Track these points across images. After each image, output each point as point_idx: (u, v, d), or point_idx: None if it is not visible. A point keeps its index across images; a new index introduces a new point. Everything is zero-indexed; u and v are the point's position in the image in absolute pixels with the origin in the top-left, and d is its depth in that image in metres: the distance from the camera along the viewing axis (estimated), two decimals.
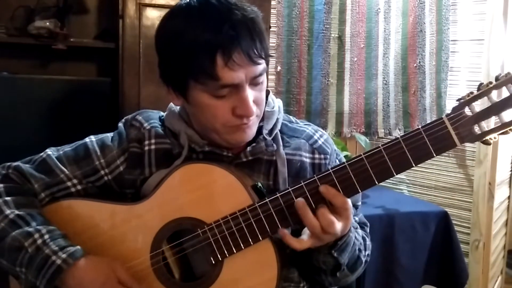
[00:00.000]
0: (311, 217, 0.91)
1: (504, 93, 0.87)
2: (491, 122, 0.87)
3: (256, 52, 0.92)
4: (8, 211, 0.99)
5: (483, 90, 0.87)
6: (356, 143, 2.83)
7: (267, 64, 0.99)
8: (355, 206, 1.15)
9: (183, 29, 0.94)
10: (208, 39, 0.90)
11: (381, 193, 2.45)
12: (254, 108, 0.95)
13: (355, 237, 1.03)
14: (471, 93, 0.88)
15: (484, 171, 2.50)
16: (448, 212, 2.29)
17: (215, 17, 0.92)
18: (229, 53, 0.90)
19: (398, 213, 2.21)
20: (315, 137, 1.10)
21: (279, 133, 1.08)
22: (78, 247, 0.96)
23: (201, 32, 0.91)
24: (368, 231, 1.17)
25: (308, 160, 1.08)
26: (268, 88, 1.09)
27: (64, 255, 0.93)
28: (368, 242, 1.13)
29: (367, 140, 2.56)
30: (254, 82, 0.96)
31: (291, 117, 1.15)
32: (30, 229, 0.96)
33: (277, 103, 1.10)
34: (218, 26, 0.90)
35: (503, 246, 2.85)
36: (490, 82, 0.87)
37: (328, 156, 1.10)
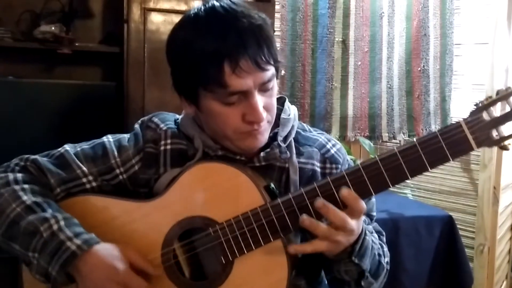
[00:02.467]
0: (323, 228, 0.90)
1: None
2: (510, 127, 0.86)
3: (264, 59, 0.92)
4: (25, 197, 0.99)
5: (502, 95, 0.86)
6: (360, 147, 2.83)
7: (277, 69, 0.98)
8: (370, 216, 1.14)
9: (191, 39, 0.94)
10: (215, 48, 0.91)
11: (385, 197, 2.44)
12: (264, 114, 0.95)
13: (372, 240, 1.02)
14: (490, 97, 0.86)
15: (488, 175, 2.49)
16: (453, 216, 2.29)
17: (221, 25, 0.92)
18: (236, 61, 0.90)
19: (403, 217, 2.21)
20: (328, 146, 1.10)
21: (293, 141, 1.07)
22: (93, 234, 0.97)
23: (208, 41, 0.92)
24: (384, 240, 1.15)
25: (319, 170, 1.08)
26: (283, 95, 1.09)
27: (78, 241, 0.94)
28: (386, 249, 1.11)
29: (371, 144, 2.57)
30: (263, 88, 0.96)
31: (304, 125, 1.15)
32: (46, 215, 0.97)
33: (293, 111, 1.10)
34: (224, 34, 0.91)
35: (508, 250, 2.84)
36: (510, 87, 0.85)
37: (340, 166, 1.10)
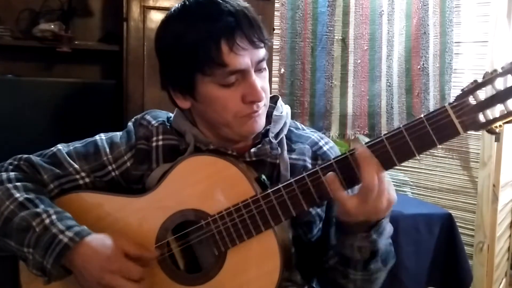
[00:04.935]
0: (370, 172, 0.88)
1: (510, 81, 0.86)
2: (496, 111, 0.86)
3: (257, 36, 0.96)
4: (17, 194, 1.01)
5: (488, 78, 0.86)
6: None
7: (267, 51, 1.02)
8: None
9: (184, 29, 0.97)
10: (211, 30, 0.94)
11: None
12: (262, 93, 0.98)
13: (390, 226, 1.01)
14: (475, 81, 0.87)
15: (488, 173, 2.49)
16: (452, 214, 2.29)
17: (214, 9, 0.96)
18: (233, 39, 0.93)
19: (402, 215, 2.21)
20: (320, 144, 1.12)
21: (284, 137, 1.09)
22: (84, 227, 0.98)
23: (203, 25, 0.95)
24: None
25: (310, 166, 1.09)
26: (277, 94, 1.12)
27: (70, 234, 0.95)
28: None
29: None
30: (258, 67, 0.99)
31: (298, 123, 1.17)
32: (38, 210, 0.98)
33: (285, 109, 1.12)
34: (218, 16, 0.95)
35: (507, 248, 2.84)
36: (495, 70, 0.86)
37: None
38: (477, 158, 2.55)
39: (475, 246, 2.55)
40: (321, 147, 1.11)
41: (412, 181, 2.83)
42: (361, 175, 0.88)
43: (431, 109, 2.72)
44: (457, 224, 2.29)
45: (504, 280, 2.82)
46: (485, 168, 2.50)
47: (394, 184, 2.79)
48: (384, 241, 0.99)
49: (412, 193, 2.84)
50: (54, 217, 0.98)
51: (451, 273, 2.23)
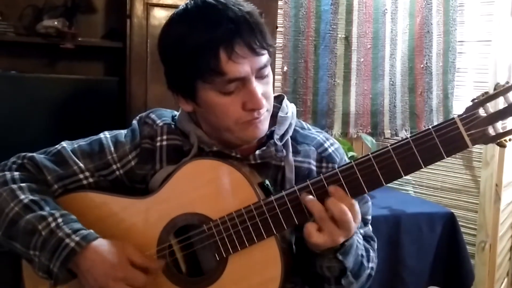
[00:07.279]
0: (319, 207, 0.90)
1: None
2: (507, 124, 0.84)
3: (258, 43, 0.94)
4: (22, 196, 1.00)
5: (499, 90, 0.83)
6: (362, 144, 2.83)
7: (271, 56, 1.00)
8: (365, 220, 1.12)
9: (185, 33, 0.96)
10: (209, 37, 0.92)
11: (387, 194, 2.44)
12: (263, 101, 0.96)
13: (357, 240, 1.02)
14: (486, 93, 0.84)
15: (491, 172, 2.49)
16: (455, 213, 2.28)
17: (213, 15, 0.94)
18: (231, 47, 0.91)
19: (404, 214, 2.21)
20: (325, 145, 1.10)
21: (289, 139, 1.07)
22: (91, 230, 0.98)
23: (202, 31, 0.93)
24: (374, 246, 1.14)
25: (315, 169, 1.08)
26: (280, 92, 1.09)
27: (77, 238, 0.94)
28: (373, 254, 1.11)
29: (373, 141, 2.56)
30: (259, 74, 0.97)
31: (303, 123, 1.15)
32: (44, 213, 0.98)
33: (290, 109, 1.10)
34: (217, 23, 0.93)
35: (509, 247, 2.84)
36: (507, 82, 0.83)
37: (336, 165, 1.09)
38: (480, 158, 2.55)
39: (477, 246, 2.55)
40: (326, 149, 1.10)
41: (414, 180, 2.83)
42: (312, 212, 0.91)
43: (434, 108, 2.74)
44: (459, 223, 2.28)
45: (506, 280, 2.82)
46: (487, 168, 2.50)
47: (396, 183, 2.79)
48: (352, 258, 0.99)
49: (414, 192, 2.84)
50: (60, 220, 0.97)
51: (453, 272, 2.23)
